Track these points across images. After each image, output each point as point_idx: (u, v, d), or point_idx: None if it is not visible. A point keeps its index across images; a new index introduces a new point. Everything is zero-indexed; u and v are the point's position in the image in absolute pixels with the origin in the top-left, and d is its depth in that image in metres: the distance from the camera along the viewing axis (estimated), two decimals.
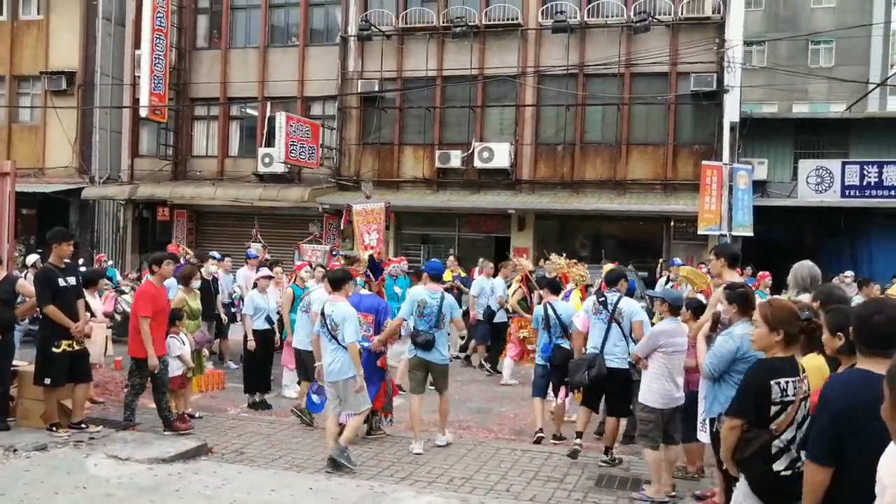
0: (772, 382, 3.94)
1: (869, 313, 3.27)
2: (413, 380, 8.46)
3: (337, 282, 7.82)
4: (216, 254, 14.25)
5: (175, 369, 8.80)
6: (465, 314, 12.20)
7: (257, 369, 10.24)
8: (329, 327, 7.43)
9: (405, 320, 8.32)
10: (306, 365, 9.29)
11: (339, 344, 7.39)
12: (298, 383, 10.31)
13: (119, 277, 16.79)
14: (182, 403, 8.90)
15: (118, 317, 13.73)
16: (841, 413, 3.16)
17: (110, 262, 19.12)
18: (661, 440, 6.79)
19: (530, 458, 7.91)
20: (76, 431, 7.85)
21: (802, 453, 3.78)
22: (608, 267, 11.02)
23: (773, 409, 3.94)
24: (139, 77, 24.22)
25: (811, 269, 6.29)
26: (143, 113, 24.06)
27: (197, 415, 9.02)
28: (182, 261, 12.58)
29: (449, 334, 8.58)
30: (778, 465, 3.92)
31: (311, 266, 12.39)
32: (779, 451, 3.93)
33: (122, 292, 14.55)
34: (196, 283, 10.62)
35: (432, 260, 11.90)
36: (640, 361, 7.07)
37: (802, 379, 3.99)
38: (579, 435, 8.02)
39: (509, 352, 12.22)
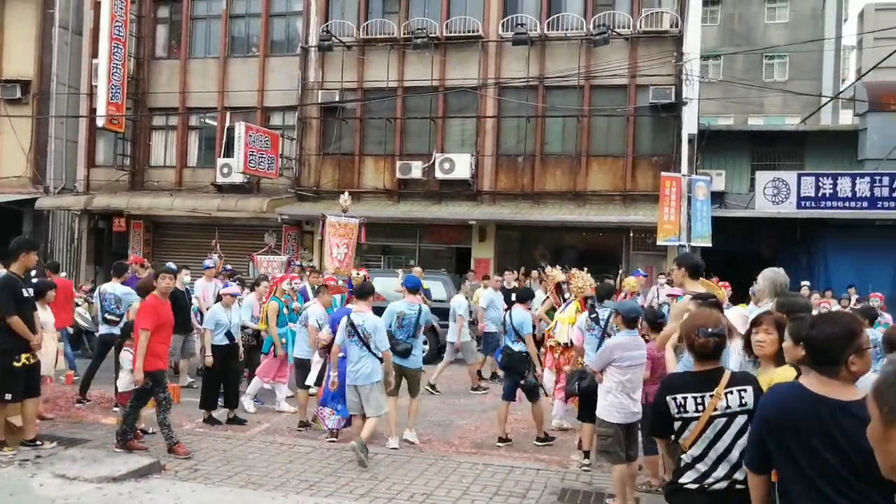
0: (668, 398, 3.88)
1: (809, 326, 3.28)
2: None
3: (364, 294, 8.53)
4: (172, 265, 13.97)
5: (130, 386, 8.59)
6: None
7: (215, 385, 10.05)
8: (361, 336, 8.11)
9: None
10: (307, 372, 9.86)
11: (370, 351, 8.12)
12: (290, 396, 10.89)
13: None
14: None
15: (70, 329, 13.44)
16: (769, 422, 3.14)
17: (63, 274, 18.68)
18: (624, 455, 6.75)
19: (492, 473, 7.85)
20: (29, 448, 7.62)
21: (721, 469, 3.78)
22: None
23: (676, 424, 3.89)
24: (96, 86, 23.90)
25: (784, 276, 6.25)
26: (100, 122, 23.71)
27: (150, 430, 8.80)
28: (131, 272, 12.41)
29: (426, 342, 9.49)
30: (684, 479, 3.87)
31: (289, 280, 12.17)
32: (686, 466, 3.87)
33: (76, 304, 14.22)
34: None
35: (410, 275, 11.93)
36: (597, 375, 7.07)
37: (719, 395, 3.82)
38: (586, 455, 8.08)
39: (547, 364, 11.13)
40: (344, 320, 8.41)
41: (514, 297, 10.94)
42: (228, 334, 10.12)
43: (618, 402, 6.71)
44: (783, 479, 3.14)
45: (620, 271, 18.96)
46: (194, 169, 25.15)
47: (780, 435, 3.07)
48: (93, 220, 25.81)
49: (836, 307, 14.10)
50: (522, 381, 9.35)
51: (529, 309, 9.96)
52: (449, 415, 10.97)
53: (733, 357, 5.34)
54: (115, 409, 9.00)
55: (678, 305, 6.37)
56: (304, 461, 8.02)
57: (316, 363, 9.78)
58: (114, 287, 11.07)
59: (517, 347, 9.38)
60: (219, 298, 10.79)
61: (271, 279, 12.96)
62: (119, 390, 8.63)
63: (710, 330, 3.87)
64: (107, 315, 10.82)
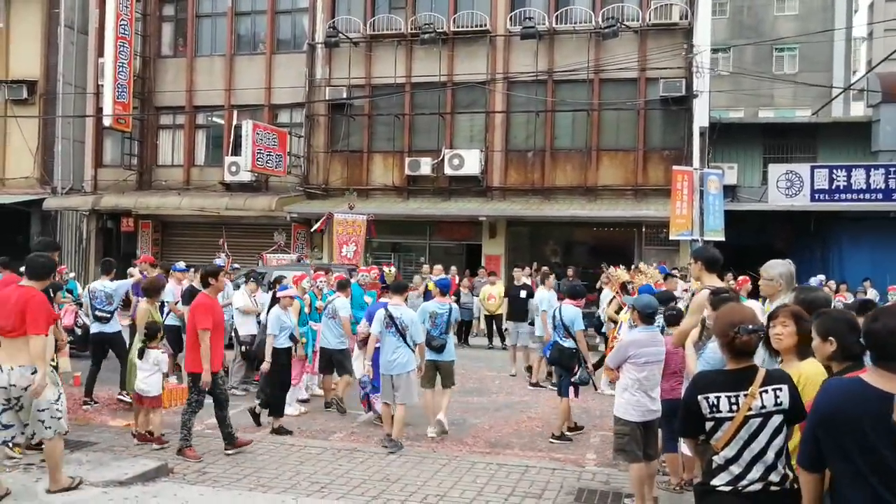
0: (699, 398, 3.71)
1: (871, 320, 3.18)
2: (425, 377, 9.51)
3: (399, 289, 9.23)
4: (182, 265, 13.88)
5: (158, 386, 8.55)
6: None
7: (281, 390, 9.63)
8: (399, 328, 8.62)
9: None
10: (334, 361, 10.53)
11: (406, 343, 8.65)
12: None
13: (80, 290, 16.32)
14: (147, 422, 8.50)
15: (78, 330, 13.34)
16: (825, 419, 3.10)
17: (72, 275, 18.60)
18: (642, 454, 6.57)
19: (507, 473, 7.68)
20: (35, 452, 7.45)
21: (755, 470, 3.61)
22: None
23: (707, 424, 3.71)
24: (102, 86, 23.84)
25: (791, 267, 6.05)
26: (107, 122, 23.62)
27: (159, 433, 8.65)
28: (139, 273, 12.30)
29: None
30: (716, 481, 3.70)
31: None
32: (718, 468, 3.70)
33: (82, 305, 14.12)
34: (161, 297, 10.32)
35: (442, 277, 13.11)
36: (612, 373, 6.89)
37: (754, 394, 3.65)
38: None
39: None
40: (381, 312, 8.83)
41: (530, 293, 11.42)
42: (291, 336, 9.86)
43: (635, 399, 6.53)
44: (835, 478, 3.10)
45: (633, 266, 18.80)
46: (202, 168, 25.06)
47: (836, 432, 3.02)
48: (101, 220, 25.74)
49: (850, 300, 13.86)
50: (574, 377, 9.40)
51: (581, 306, 9.82)
52: (462, 413, 10.78)
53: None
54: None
55: (696, 300, 6.18)
56: (314, 463, 7.87)
57: (356, 357, 10.49)
58: (103, 284, 10.88)
59: (566, 344, 9.45)
60: (275, 301, 10.13)
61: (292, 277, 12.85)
62: (143, 393, 8.44)
63: (751, 327, 3.70)
64: (97, 312, 10.62)
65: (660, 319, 7.54)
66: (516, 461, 8.28)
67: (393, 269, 13.61)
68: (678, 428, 4.14)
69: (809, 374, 3.97)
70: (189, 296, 11.96)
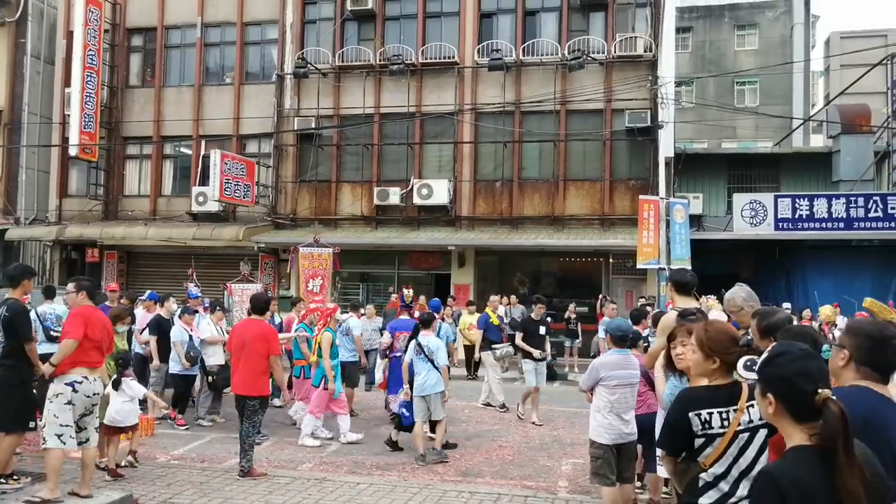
0: (690, 414, 3.68)
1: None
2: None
3: (429, 322, 10.15)
4: (154, 293, 13.74)
5: (135, 415, 8.49)
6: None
7: None
8: (426, 354, 9.74)
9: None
10: (346, 371, 11.94)
11: (434, 366, 9.72)
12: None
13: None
14: (114, 452, 8.35)
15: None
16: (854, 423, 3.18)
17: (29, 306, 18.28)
18: (616, 478, 6.58)
19: (479, 501, 7.66)
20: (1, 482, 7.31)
21: (743, 487, 3.57)
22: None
23: (697, 441, 3.67)
24: (69, 115, 23.65)
25: (749, 289, 6.09)
26: (73, 152, 23.41)
27: (122, 463, 8.50)
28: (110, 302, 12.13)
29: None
30: (704, 500, 3.65)
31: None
32: (706, 485, 3.65)
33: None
34: (123, 327, 10.19)
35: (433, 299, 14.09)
36: (586, 395, 6.93)
37: (742, 408, 3.67)
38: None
39: None
40: (413, 343, 10.01)
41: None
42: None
43: (607, 422, 6.55)
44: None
45: (601, 296, 18.95)
46: (169, 198, 24.90)
47: (861, 435, 3.02)
48: (65, 250, 25.44)
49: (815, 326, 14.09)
50: None
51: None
52: (431, 443, 10.72)
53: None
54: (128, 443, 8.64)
55: (663, 322, 6.24)
56: (283, 493, 7.78)
57: (379, 365, 12.23)
58: (52, 307, 10.88)
59: None
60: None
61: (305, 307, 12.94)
62: (116, 423, 8.32)
63: (746, 338, 3.79)
64: (52, 333, 10.45)
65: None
66: (487, 489, 8.24)
67: (411, 292, 14.00)
68: (663, 444, 3.96)
69: None
70: (156, 325, 11.87)
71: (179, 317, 12.02)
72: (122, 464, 8.47)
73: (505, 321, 15.87)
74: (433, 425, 10.09)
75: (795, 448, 2.54)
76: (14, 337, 7.32)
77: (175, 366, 11.58)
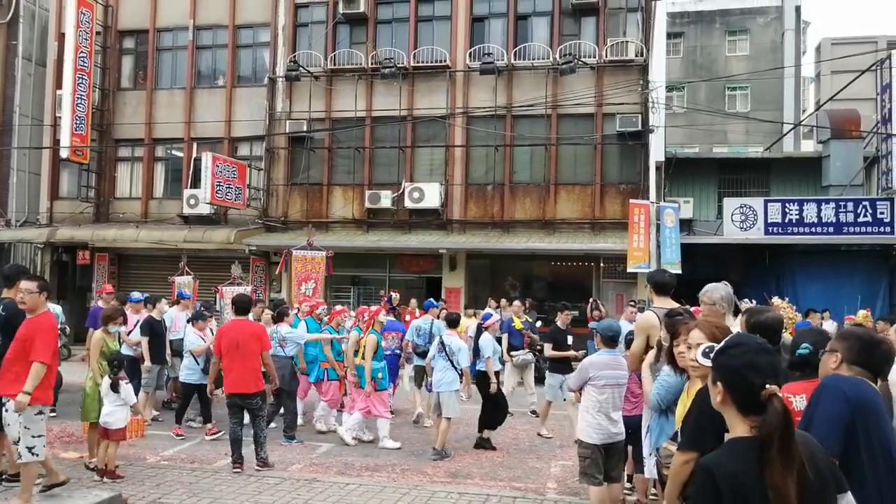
0: None
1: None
2: (416, 377, 11.62)
3: (453, 322, 10.77)
4: (138, 294, 13.74)
5: (124, 419, 8.34)
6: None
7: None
8: (447, 353, 10.23)
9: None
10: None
11: (453, 366, 10.18)
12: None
13: None
14: (104, 454, 8.32)
15: None
16: (860, 408, 3.44)
17: None
18: (603, 477, 6.62)
19: (467, 502, 7.69)
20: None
21: None
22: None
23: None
24: (60, 118, 23.60)
25: (727, 288, 6.11)
26: (64, 154, 23.34)
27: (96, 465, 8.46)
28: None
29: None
30: None
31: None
32: None
33: None
34: (115, 328, 10.17)
35: (429, 300, 14.32)
36: (576, 395, 6.96)
37: None
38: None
39: None
40: (437, 340, 10.68)
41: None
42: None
43: (595, 422, 6.59)
44: (856, 460, 3.35)
45: (591, 300, 18.99)
46: (160, 200, 24.88)
47: (864, 418, 3.40)
48: (56, 253, 25.37)
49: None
50: None
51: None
52: (422, 445, 10.77)
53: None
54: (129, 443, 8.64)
55: (639, 322, 6.28)
56: (272, 493, 7.80)
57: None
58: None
59: None
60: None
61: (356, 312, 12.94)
62: (107, 426, 8.25)
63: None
64: None
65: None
66: (476, 490, 8.26)
67: (397, 295, 15.41)
68: (692, 441, 3.80)
69: None
70: (147, 326, 11.86)
71: (192, 323, 11.92)
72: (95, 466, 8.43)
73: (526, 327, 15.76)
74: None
75: (734, 440, 2.56)
76: (11, 336, 7.34)
77: (191, 374, 11.21)
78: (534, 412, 13.46)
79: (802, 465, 2.41)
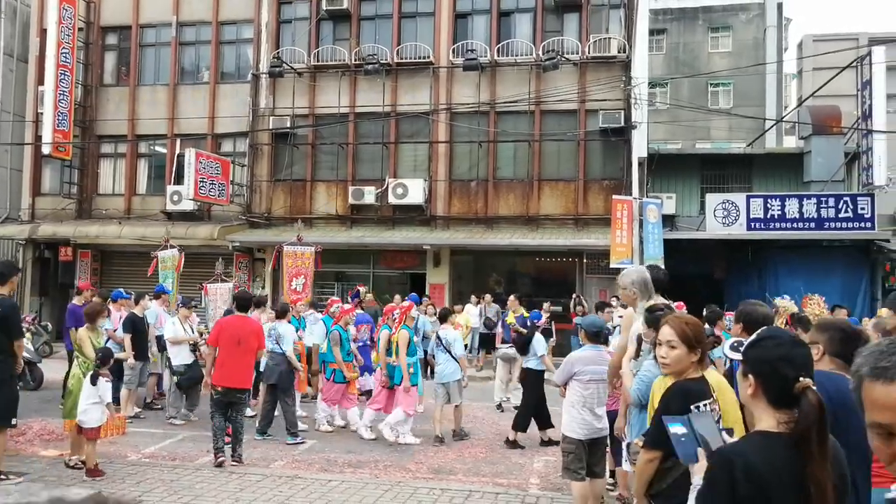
0: (692, 408, 3.65)
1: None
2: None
3: (445, 317, 11.46)
4: (122, 291, 13.71)
5: (99, 417, 8.23)
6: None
7: None
8: (445, 346, 10.93)
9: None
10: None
11: (452, 356, 10.87)
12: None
13: None
14: (80, 451, 8.33)
15: None
16: (842, 405, 3.23)
17: None
18: (586, 472, 6.67)
19: (450, 498, 7.70)
20: None
21: None
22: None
23: None
24: (42, 114, 23.44)
25: (644, 272, 6.18)
26: (46, 150, 23.24)
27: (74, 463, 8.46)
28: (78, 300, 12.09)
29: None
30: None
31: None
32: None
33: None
34: (103, 323, 10.17)
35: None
36: (560, 390, 7.01)
37: (716, 400, 3.74)
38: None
39: None
40: (434, 336, 11.50)
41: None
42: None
43: (580, 417, 6.63)
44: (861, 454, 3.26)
45: (575, 295, 19.06)
46: (143, 197, 24.78)
47: (846, 416, 3.17)
48: (38, 249, 25.22)
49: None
50: None
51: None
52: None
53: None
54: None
55: (628, 317, 6.31)
56: (253, 490, 7.80)
57: None
58: None
59: None
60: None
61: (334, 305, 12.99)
62: (82, 424, 8.19)
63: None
64: None
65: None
66: (459, 486, 8.29)
67: (364, 290, 16.11)
68: (651, 438, 3.83)
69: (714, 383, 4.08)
70: (130, 323, 11.84)
71: (177, 309, 12.09)
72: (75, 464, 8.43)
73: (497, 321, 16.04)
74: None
75: (761, 433, 2.54)
76: (5, 333, 7.37)
77: None
78: (499, 406, 13.68)
79: (832, 459, 2.44)
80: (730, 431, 3.66)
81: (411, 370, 10.68)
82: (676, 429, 3.43)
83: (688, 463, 3.39)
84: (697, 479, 3.33)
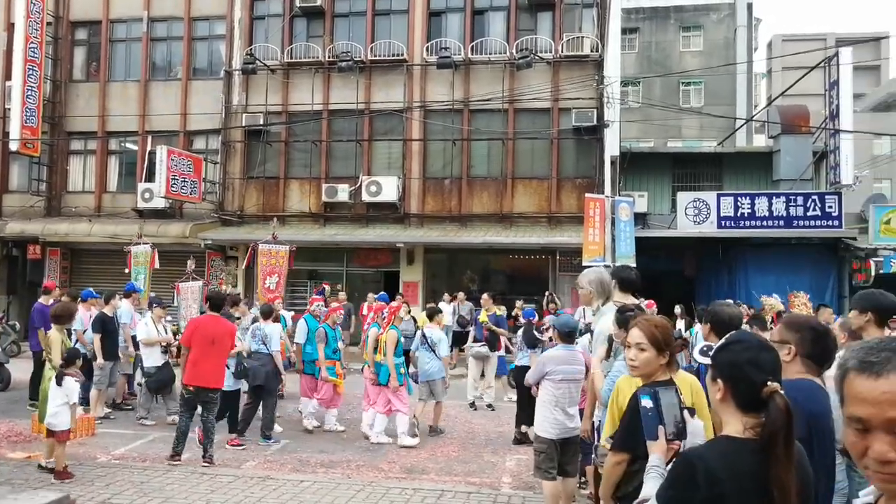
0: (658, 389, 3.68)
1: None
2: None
3: (432, 315, 11.51)
4: (91, 290, 13.57)
5: (67, 420, 8.11)
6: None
7: None
8: (430, 345, 11.10)
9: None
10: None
11: (436, 356, 11.09)
12: None
13: None
14: (50, 453, 8.24)
15: None
16: (817, 416, 3.26)
17: None
18: (558, 471, 6.70)
19: (422, 498, 7.72)
20: None
21: None
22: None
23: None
24: (9, 109, 23.10)
25: (608, 276, 6.25)
26: (14, 147, 22.90)
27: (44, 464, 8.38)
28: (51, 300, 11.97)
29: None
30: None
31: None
32: None
33: None
34: (73, 324, 10.09)
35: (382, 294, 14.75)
36: (532, 389, 7.03)
37: (683, 401, 3.72)
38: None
39: None
40: (419, 334, 11.62)
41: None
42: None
43: (552, 416, 6.66)
44: (827, 464, 3.30)
45: (548, 293, 19.13)
46: (114, 194, 24.53)
47: (819, 429, 3.22)
48: (6, 247, 24.90)
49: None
50: None
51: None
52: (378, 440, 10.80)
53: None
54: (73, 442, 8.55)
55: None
56: (225, 491, 7.77)
57: None
58: None
59: None
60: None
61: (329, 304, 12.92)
62: (51, 427, 8.10)
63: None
64: None
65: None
66: (431, 486, 8.32)
67: (328, 288, 16.13)
68: (620, 441, 3.81)
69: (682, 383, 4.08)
70: (99, 323, 11.73)
71: (150, 308, 12.01)
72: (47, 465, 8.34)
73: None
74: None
75: (727, 437, 2.55)
76: None
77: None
78: (472, 404, 13.70)
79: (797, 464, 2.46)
80: (692, 411, 3.71)
81: (402, 370, 10.69)
82: (646, 402, 3.54)
83: (649, 439, 3.46)
84: (654, 457, 3.39)
